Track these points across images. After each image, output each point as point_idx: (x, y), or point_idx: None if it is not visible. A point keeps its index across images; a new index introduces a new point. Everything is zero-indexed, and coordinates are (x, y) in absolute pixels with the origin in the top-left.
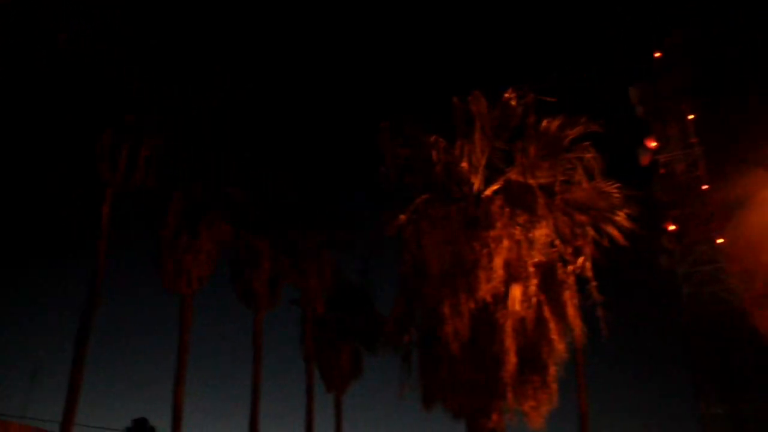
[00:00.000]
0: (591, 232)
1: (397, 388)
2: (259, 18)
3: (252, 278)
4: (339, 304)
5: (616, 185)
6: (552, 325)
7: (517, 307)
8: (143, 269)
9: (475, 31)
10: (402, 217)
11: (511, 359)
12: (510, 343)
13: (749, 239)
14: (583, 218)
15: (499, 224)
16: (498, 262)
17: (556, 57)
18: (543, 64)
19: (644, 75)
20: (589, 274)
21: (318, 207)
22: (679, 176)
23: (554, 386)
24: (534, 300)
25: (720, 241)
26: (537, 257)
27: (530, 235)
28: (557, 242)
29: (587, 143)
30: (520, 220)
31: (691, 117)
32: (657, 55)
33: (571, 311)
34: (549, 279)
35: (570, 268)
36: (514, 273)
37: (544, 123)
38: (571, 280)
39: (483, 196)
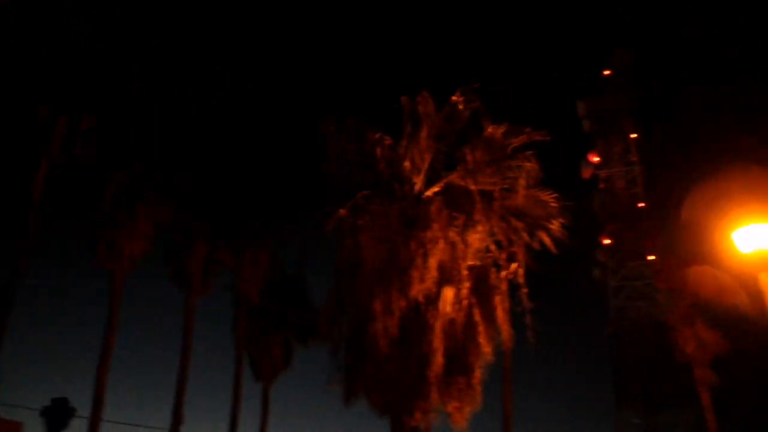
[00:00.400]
0: (526, 239)
1: (326, 382)
2: (201, 6)
3: (187, 261)
4: (274, 294)
5: (553, 195)
6: (481, 329)
7: (448, 308)
8: (78, 244)
9: (432, 34)
10: (342, 211)
11: (439, 360)
12: (438, 343)
13: (678, 258)
14: (519, 225)
15: (436, 226)
16: (432, 263)
17: (509, 65)
18: (496, 72)
19: (593, 91)
20: (521, 280)
21: (260, 196)
22: (617, 192)
23: (479, 388)
24: (465, 303)
25: (651, 258)
26: (471, 261)
27: (466, 238)
28: (492, 247)
29: (530, 152)
30: (458, 223)
31: (633, 136)
32: (606, 72)
33: (501, 316)
34: (481, 283)
35: (503, 273)
36: (447, 275)
37: (489, 129)
38: (503, 285)
39: (423, 196)
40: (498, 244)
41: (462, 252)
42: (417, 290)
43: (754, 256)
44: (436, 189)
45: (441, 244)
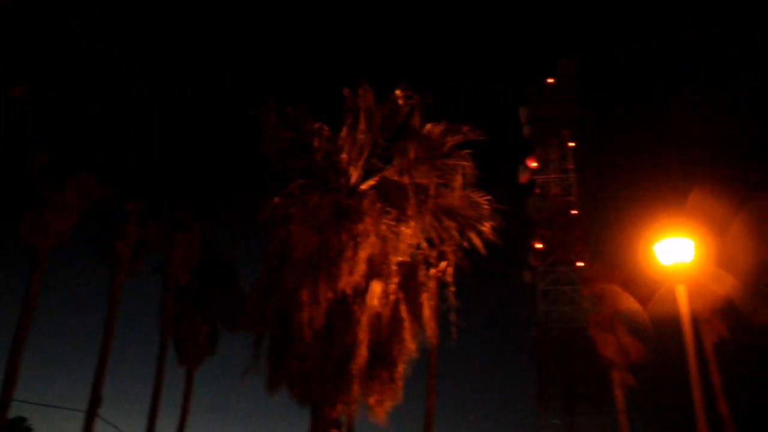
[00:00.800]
0: (457, 238)
1: (249, 370)
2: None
3: (116, 240)
4: (203, 278)
5: (486, 197)
6: (407, 324)
7: (375, 302)
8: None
9: (382, 30)
10: (276, 199)
11: (363, 352)
12: (363, 336)
13: (603, 266)
14: (451, 224)
15: (368, 219)
16: (362, 255)
17: (457, 66)
18: (443, 72)
19: (536, 98)
20: (450, 279)
21: (195, 178)
22: (552, 198)
23: (400, 383)
24: (392, 298)
25: (580, 264)
26: (401, 256)
27: (398, 233)
28: (423, 244)
29: (466, 152)
30: (390, 217)
31: (571, 144)
32: (550, 80)
33: (427, 313)
34: (410, 279)
35: (432, 271)
36: (376, 269)
37: (428, 126)
38: (432, 283)
39: (358, 189)
40: (429, 241)
41: (393, 247)
42: (345, 282)
43: (672, 269)
44: (371, 183)
45: (372, 238)
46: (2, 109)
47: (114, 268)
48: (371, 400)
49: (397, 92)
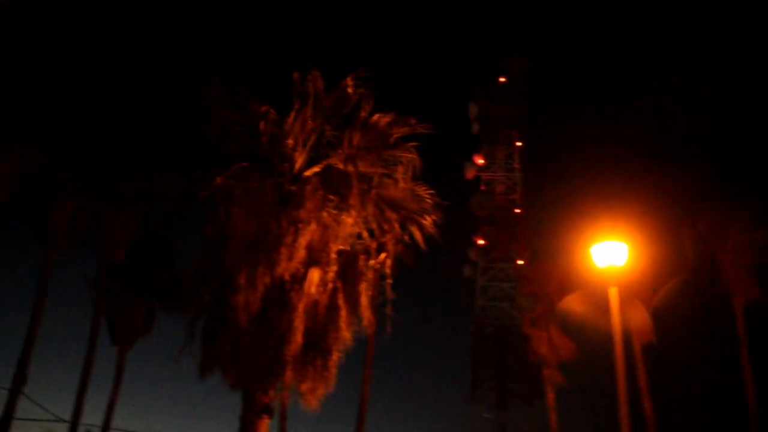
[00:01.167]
0: (398, 230)
1: (181, 352)
2: None
3: (52, 213)
4: (140, 257)
5: (430, 190)
6: (343, 313)
7: (313, 290)
8: None
9: (335, 18)
10: (218, 180)
11: (297, 339)
12: (299, 323)
13: (541, 265)
14: (393, 216)
15: (310, 205)
16: (302, 242)
17: (413, 60)
18: (398, 64)
19: (487, 95)
20: (388, 270)
21: (137, 153)
22: (497, 196)
23: (334, 371)
24: (330, 286)
25: (520, 262)
26: (341, 245)
27: (339, 222)
28: (364, 234)
29: (412, 144)
30: (332, 205)
31: (518, 144)
32: (501, 79)
33: (365, 302)
34: (349, 268)
35: (371, 261)
36: (315, 256)
37: (375, 117)
38: (370, 273)
39: (302, 175)
40: (370, 232)
41: (333, 235)
42: (284, 268)
43: (606, 271)
44: (315, 170)
45: (313, 225)
46: None
47: (46, 243)
48: (304, 387)
49: (348, 81)
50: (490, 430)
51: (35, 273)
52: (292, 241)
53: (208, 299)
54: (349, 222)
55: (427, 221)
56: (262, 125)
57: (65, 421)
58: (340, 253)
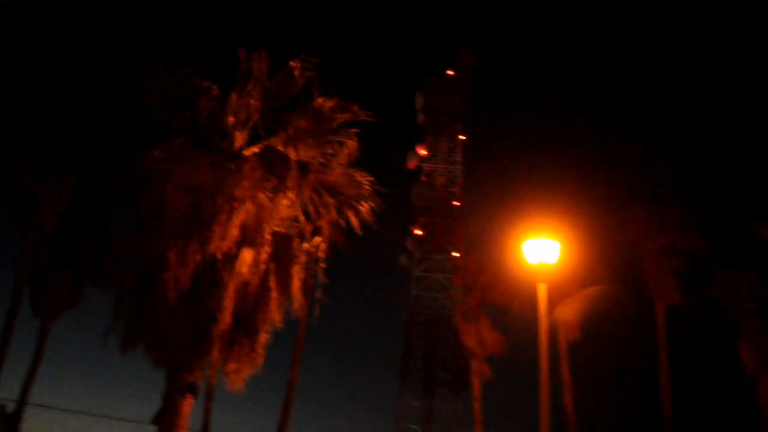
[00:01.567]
0: (334, 215)
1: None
2: None
3: None
4: (70, 227)
5: (369, 177)
6: (274, 295)
7: (245, 270)
8: None
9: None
10: (155, 154)
11: (226, 319)
12: (229, 303)
13: (476, 258)
14: (330, 200)
15: (246, 185)
16: (236, 221)
17: (364, 47)
18: (347, 50)
19: (434, 86)
20: (322, 255)
21: (73, 122)
22: (437, 188)
23: (261, 352)
24: (263, 267)
25: (455, 254)
26: (276, 227)
27: (275, 203)
28: (300, 217)
29: (354, 130)
30: (269, 186)
31: (462, 138)
32: (449, 72)
33: (296, 285)
34: (282, 250)
35: (305, 245)
36: (249, 236)
37: (319, 101)
38: (304, 256)
39: (241, 154)
40: (306, 215)
41: (268, 216)
42: (216, 247)
43: (537, 268)
44: (255, 149)
45: (248, 205)
46: None
47: None
48: (230, 367)
49: (294, 63)
50: (417, 418)
51: None
52: (227, 219)
53: (136, 274)
54: (285, 204)
55: (364, 208)
56: (202, 101)
57: None
58: (274, 234)
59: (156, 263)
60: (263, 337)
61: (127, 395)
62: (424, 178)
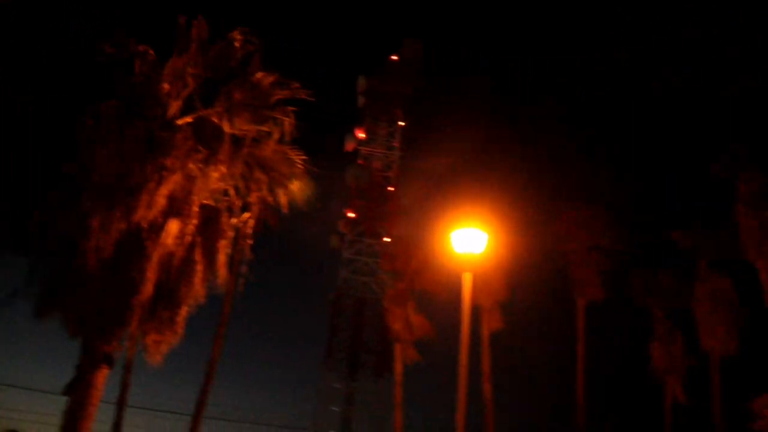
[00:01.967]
0: (265, 192)
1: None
2: None
3: None
4: None
5: (302, 156)
6: (199, 268)
7: (170, 241)
8: None
9: None
10: (86, 120)
11: (148, 289)
12: (151, 273)
13: (406, 244)
14: (262, 177)
15: (178, 154)
16: (164, 191)
17: (311, 27)
18: (296, 28)
19: (377, 70)
20: (250, 231)
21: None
22: (373, 172)
23: (182, 325)
24: (188, 239)
25: (386, 239)
26: (205, 199)
27: (205, 175)
28: (231, 191)
29: (292, 108)
30: (200, 157)
31: (401, 124)
32: (393, 57)
33: (222, 260)
34: (210, 223)
35: (234, 220)
36: (176, 207)
37: (258, 75)
38: (231, 232)
39: (174, 123)
40: (237, 189)
41: (198, 188)
42: (142, 216)
43: (463, 257)
44: (188, 119)
45: (178, 175)
46: None
47: None
48: (149, 340)
49: (235, 34)
50: (339, 399)
51: None
52: (154, 188)
53: (56, 239)
54: (216, 177)
55: (296, 186)
56: (137, 65)
57: None
58: (202, 207)
59: (78, 229)
60: (185, 310)
61: (38, 365)
62: (360, 162)
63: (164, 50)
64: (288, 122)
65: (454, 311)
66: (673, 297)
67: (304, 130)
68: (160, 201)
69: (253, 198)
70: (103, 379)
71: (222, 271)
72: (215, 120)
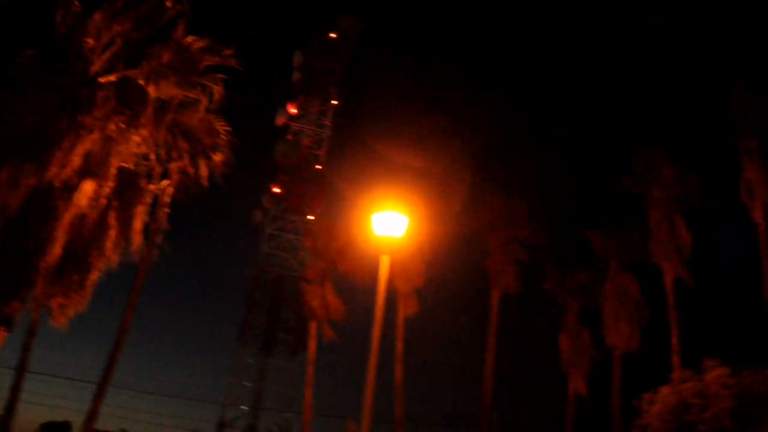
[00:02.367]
0: (187, 161)
1: None
2: None
3: None
4: None
5: (227, 128)
6: (112, 232)
7: (84, 202)
8: None
9: None
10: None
11: (56, 251)
12: (61, 235)
13: (330, 224)
14: (184, 145)
15: (98, 113)
16: (80, 150)
17: None
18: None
19: (315, 47)
20: (168, 199)
21: None
22: (302, 148)
23: (90, 290)
24: (103, 202)
25: (310, 217)
26: (124, 162)
27: (126, 138)
28: (152, 156)
29: (221, 76)
30: (121, 119)
31: (334, 102)
32: (332, 34)
33: (137, 226)
34: (127, 188)
35: (152, 186)
36: (93, 168)
37: (189, 39)
38: (149, 199)
39: (96, 80)
40: (158, 157)
41: (117, 150)
42: (55, 174)
43: (383, 240)
44: (111, 78)
45: (96, 134)
46: None
47: None
48: (55, 303)
49: None
50: (251, 374)
51: None
52: (70, 147)
53: None
54: (137, 140)
55: (218, 158)
56: (59, 15)
57: None
58: (121, 170)
59: None
60: (95, 275)
61: None
62: (289, 137)
63: (90, 3)
64: (217, 91)
65: (373, 294)
66: (585, 293)
67: (233, 101)
68: (76, 160)
69: (174, 166)
70: (1, 342)
71: (137, 237)
72: (140, 82)
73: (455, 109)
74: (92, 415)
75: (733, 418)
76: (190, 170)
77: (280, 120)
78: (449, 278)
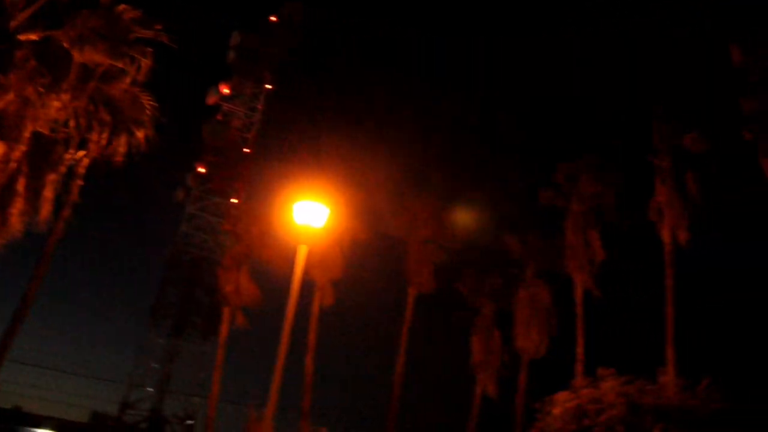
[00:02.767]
0: (107, 133)
1: None
2: None
3: None
4: None
5: (153, 103)
6: (19, 200)
7: None
8: None
9: None
10: None
11: None
12: None
13: (251, 210)
14: (106, 117)
15: (16, 74)
16: None
17: None
18: None
19: (254, 28)
20: (82, 171)
21: None
22: (231, 130)
23: None
24: (13, 165)
25: (233, 201)
26: (40, 127)
27: (44, 102)
28: (71, 124)
29: (150, 49)
30: (42, 82)
31: (268, 87)
32: (273, 18)
33: (48, 195)
34: (41, 154)
35: (68, 155)
36: (5, 130)
37: (121, 7)
38: (63, 168)
39: (16, 37)
40: (78, 125)
41: (33, 114)
42: None
43: (302, 229)
44: (33, 37)
45: (11, 95)
46: None
47: None
48: None
49: None
50: (161, 356)
51: None
52: None
53: None
54: (56, 106)
55: (141, 133)
56: None
57: None
58: (35, 135)
59: None
60: None
61: None
62: (219, 117)
63: None
64: (145, 63)
65: (289, 283)
66: (498, 297)
67: (163, 77)
68: None
69: (92, 137)
70: None
71: (47, 206)
72: (65, 44)
73: (386, 108)
74: None
75: (624, 425)
76: (110, 143)
77: (211, 99)
78: (368, 274)
